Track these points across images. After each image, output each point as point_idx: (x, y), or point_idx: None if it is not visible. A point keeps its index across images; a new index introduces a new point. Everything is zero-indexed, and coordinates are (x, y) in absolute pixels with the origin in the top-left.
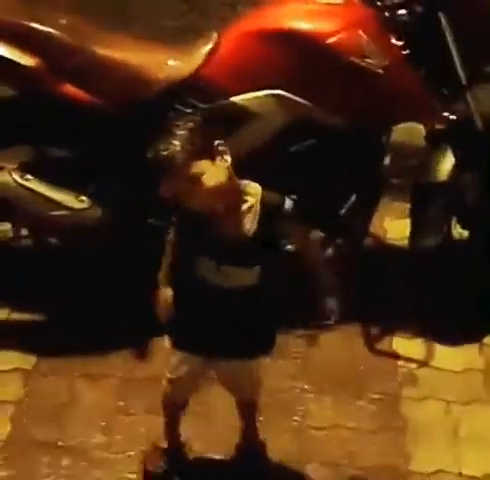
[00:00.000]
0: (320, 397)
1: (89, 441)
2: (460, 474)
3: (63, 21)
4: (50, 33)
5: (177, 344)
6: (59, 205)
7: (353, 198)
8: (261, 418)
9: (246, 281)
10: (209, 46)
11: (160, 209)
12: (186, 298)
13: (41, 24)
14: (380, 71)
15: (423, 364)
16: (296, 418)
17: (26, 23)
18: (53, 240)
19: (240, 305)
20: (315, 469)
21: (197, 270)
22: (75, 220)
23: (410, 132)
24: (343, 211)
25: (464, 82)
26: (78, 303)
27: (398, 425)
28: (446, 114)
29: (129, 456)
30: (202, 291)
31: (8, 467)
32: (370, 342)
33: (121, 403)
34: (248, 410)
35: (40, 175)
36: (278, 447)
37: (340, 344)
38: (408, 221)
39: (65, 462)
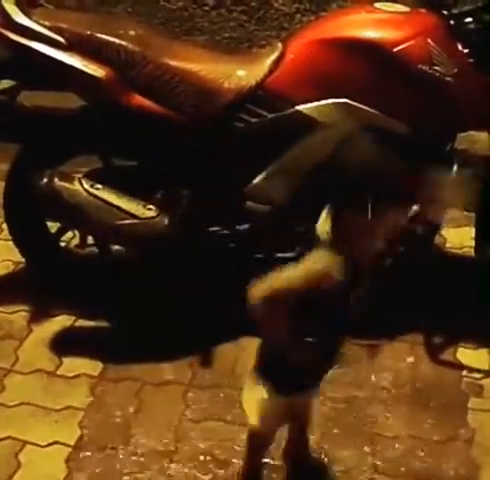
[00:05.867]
0: (385, 407)
1: (156, 448)
2: None
3: (133, 32)
4: (120, 44)
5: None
6: (127, 214)
7: (415, 207)
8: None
9: None
10: (275, 55)
11: (224, 217)
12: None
13: (111, 36)
14: (449, 79)
15: (488, 374)
16: (363, 427)
17: (97, 35)
18: (118, 248)
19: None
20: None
21: None
22: (143, 229)
23: (473, 140)
24: (405, 220)
25: None
26: (143, 310)
27: (466, 436)
28: None
29: (195, 463)
30: None
31: (78, 473)
32: (434, 352)
33: (187, 410)
34: (301, 435)
35: (108, 184)
36: (345, 456)
37: (403, 354)
38: (467, 229)
39: (133, 468)
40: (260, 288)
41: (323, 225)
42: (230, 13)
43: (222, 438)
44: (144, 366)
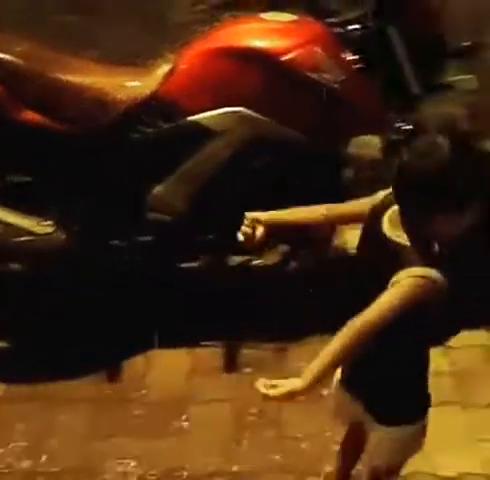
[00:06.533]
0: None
1: (67, 466)
2: None
3: (19, 48)
4: (6, 60)
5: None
6: (23, 231)
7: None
8: None
9: None
10: (167, 66)
11: (122, 230)
12: None
13: None
14: (336, 86)
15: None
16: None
17: None
18: (16, 266)
19: None
20: None
21: None
22: (39, 245)
23: (366, 144)
24: None
25: (416, 92)
26: (45, 328)
27: None
28: (400, 125)
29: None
30: None
31: None
32: None
33: (95, 426)
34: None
35: (2, 201)
36: (265, 457)
37: None
38: None
39: None
40: None
41: None
42: (124, 26)
43: (134, 454)
44: (50, 385)
